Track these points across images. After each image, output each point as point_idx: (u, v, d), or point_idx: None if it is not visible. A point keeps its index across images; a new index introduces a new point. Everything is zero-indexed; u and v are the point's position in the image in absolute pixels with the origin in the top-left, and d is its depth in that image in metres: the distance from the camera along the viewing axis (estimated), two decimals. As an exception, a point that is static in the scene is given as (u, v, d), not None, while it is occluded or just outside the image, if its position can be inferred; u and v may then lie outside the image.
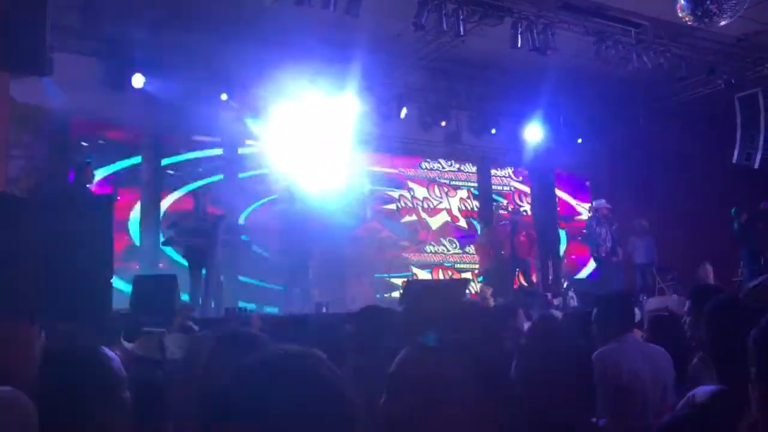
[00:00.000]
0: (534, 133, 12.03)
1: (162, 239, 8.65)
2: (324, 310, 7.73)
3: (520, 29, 8.35)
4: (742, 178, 10.62)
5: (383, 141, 11.17)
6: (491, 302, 8.75)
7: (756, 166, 9.94)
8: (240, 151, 10.28)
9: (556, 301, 9.18)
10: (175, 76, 8.81)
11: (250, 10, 8.36)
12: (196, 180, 9.83)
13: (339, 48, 9.00)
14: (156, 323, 5.61)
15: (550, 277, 12.06)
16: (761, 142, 9.94)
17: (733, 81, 10.39)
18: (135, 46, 8.72)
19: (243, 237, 8.51)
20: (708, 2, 5.84)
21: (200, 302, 7.38)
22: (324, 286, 9.33)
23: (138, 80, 8.76)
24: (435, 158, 12.41)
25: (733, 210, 10.51)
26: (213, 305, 7.70)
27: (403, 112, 10.86)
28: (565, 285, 11.33)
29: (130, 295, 6.44)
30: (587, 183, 13.59)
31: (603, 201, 10.99)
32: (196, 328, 5.67)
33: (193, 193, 8.90)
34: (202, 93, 9.11)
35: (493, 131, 11.80)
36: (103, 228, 5.89)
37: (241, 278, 9.69)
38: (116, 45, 8.77)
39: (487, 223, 11.86)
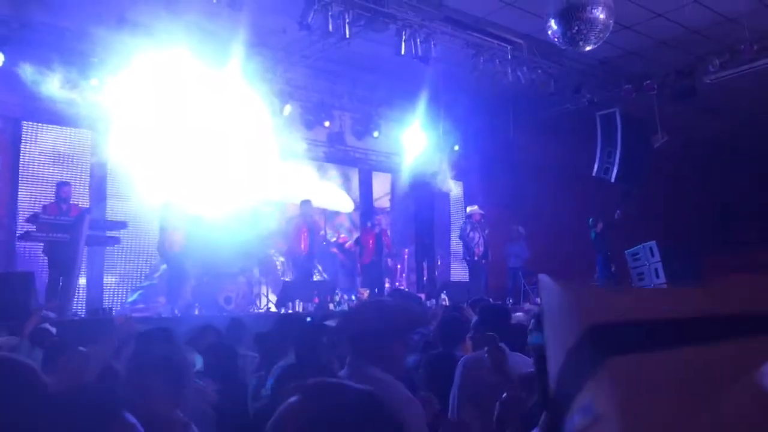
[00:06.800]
0: (414, 138, 12.30)
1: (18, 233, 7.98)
2: (196, 312, 7.48)
3: (403, 37, 8.52)
4: (601, 189, 11.49)
5: (266, 139, 10.89)
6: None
7: (612, 179, 10.77)
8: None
9: (429, 303, 9.46)
10: (39, 59, 8.13)
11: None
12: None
13: (219, 41, 8.72)
14: (7, 326, 5.19)
15: (425, 279, 12.41)
16: (617, 158, 10.78)
17: (595, 99, 11.24)
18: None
19: (111, 232, 7.97)
20: (575, 28, 6.29)
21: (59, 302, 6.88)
22: (198, 283, 8.90)
23: (-5, 58, 8.01)
24: (318, 160, 12.02)
25: (590, 219, 11.38)
26: (75, 305, 7.22)
27: (287, 109, 10.71)
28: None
29: (-22, 295, 5.89)
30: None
31: (476, 207, 11.46)
32: (53, 330, 5.30)
33: (55, 184, 8.25)
34: (68, 78, 8.47)
35: (376, 134, 11.93)
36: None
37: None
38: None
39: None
